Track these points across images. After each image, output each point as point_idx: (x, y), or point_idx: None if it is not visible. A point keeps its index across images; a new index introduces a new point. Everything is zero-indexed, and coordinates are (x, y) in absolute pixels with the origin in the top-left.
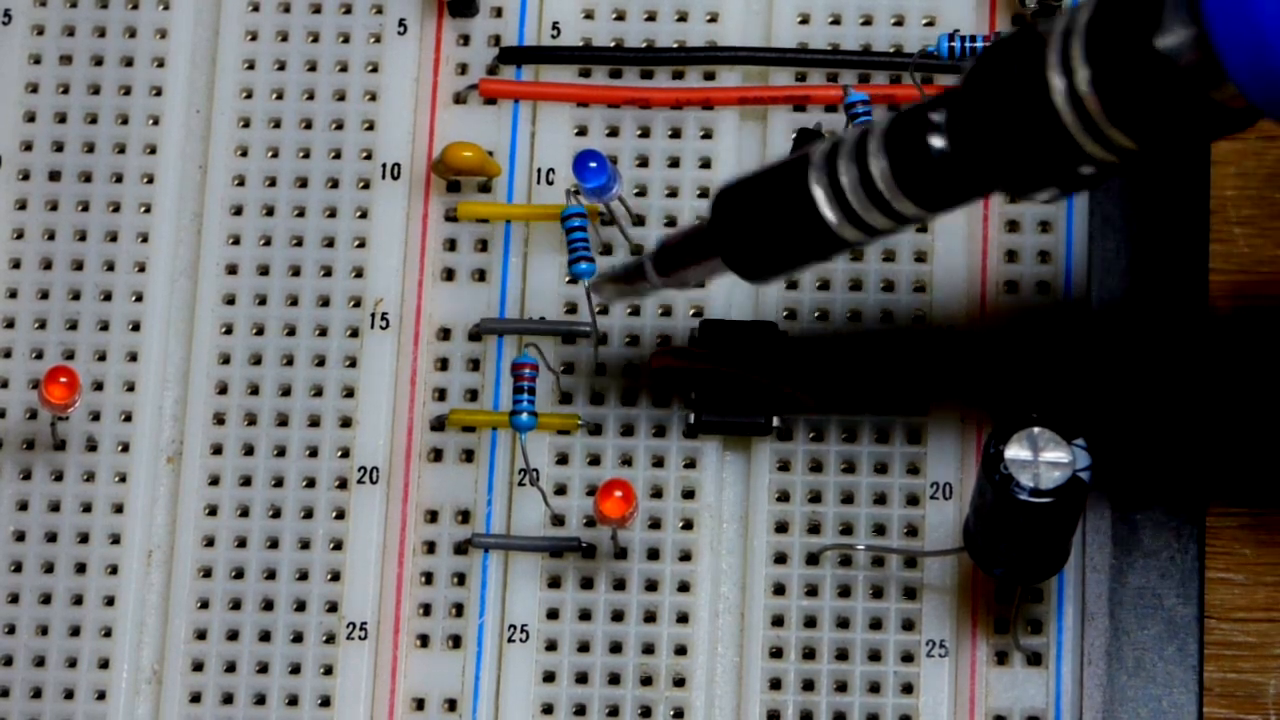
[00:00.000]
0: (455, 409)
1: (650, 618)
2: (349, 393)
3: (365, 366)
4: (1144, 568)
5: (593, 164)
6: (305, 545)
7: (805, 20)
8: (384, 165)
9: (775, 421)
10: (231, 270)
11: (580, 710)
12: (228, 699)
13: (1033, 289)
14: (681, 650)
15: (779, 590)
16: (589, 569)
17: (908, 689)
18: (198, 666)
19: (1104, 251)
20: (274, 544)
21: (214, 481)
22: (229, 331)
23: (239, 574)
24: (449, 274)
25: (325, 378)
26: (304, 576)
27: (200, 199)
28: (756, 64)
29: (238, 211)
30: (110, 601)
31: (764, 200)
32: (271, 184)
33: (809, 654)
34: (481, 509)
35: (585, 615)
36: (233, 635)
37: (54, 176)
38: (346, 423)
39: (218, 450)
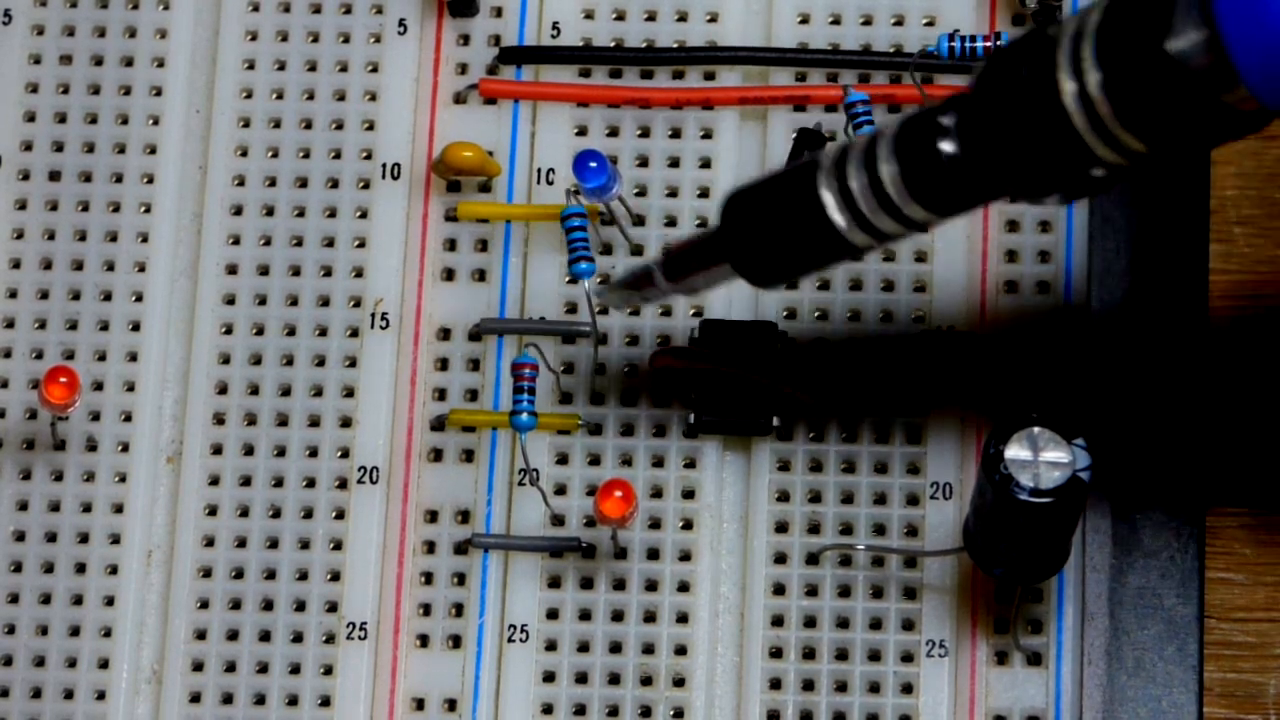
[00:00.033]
0: (455, 409)
1: (650, 618)
2: (349, 393)
3: (365, 366)
4: (1144, 568)
5: (593, 164)
6: (305, 545)
7: (805, 20)
8: (384, 165)
9: (775, 421)
10: (231, 270)
11: (580, 710)
12: (228, 699)
13: (1033, 289)
14: (681, 650)
15: (779, 590)
16: (589, 569)
17: (908, 689)
18: (198, 666)
19: (1104, 251)
20: (274, 544)
21: (214, 481)
22: (229, 331)
23: (239, 574)
24: (449, 274)
25: (325, 378)
26: (304, 576)
27: (200, 199)
28: (756, 64)
29: (238, 211)
30: (110, 601)
31: (773, 206)
32: (271, 184)
33: (809, 654)
34: (481, 509)
35: (585, 615)
36: (233, 635)
37: (54, 176)
38: (346, 423)
39: (218, 450)
